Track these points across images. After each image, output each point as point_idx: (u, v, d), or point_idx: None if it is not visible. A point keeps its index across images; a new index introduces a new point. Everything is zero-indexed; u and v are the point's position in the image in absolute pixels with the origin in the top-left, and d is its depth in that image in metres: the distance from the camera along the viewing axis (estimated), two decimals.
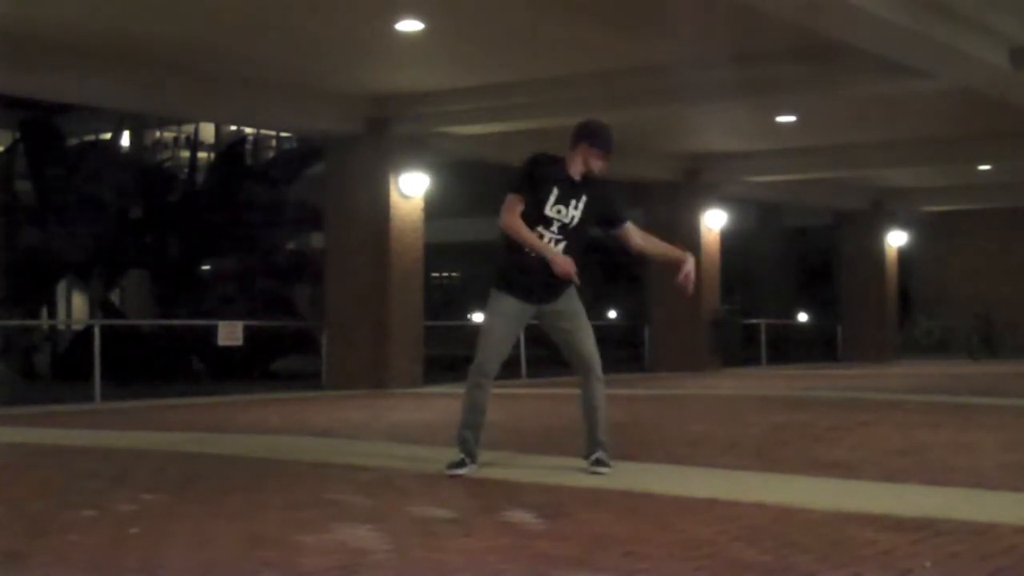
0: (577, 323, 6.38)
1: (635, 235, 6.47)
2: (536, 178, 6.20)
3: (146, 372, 17.75)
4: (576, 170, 6.25)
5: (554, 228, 6.20)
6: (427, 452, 7.41)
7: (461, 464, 6.21)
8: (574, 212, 6.21)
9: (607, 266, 34.06)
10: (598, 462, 6.22)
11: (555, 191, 6.18)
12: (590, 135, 6.28)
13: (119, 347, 16.79)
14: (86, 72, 12.61)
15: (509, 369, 19.02)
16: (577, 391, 6.48)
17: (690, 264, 6.39)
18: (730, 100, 14.31)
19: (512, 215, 6.16)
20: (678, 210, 20.33)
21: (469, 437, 6.30)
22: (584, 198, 6.23)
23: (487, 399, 6.33)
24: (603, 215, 6.34)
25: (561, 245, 6.21)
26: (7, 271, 20.31)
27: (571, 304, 6.38)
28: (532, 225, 6.17)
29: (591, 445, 6.33)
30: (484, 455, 6.50)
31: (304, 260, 22.39)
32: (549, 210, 6.18)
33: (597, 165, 6.26)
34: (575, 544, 4.30)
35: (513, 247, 6.23)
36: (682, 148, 19.51)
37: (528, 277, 6.24)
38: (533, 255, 6.17)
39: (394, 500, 5.44)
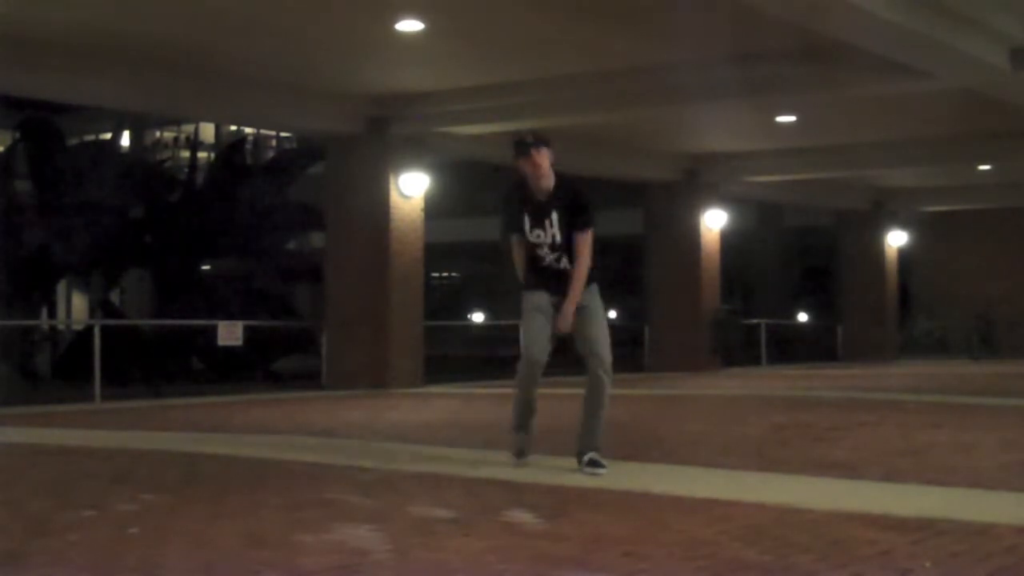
0: (592, 320, 6.48)
1: (578, 249, 6.46)
2: (511, 213, 6.54)
3: (146, 372, 17.76)
4: (532, 185, 6.46)
5: (545, 250, 6.46)
6: (427, 452, 7.42)
7: (521, 454, 6.59)
8: (553, 231, 6.42)
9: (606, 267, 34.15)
10: (593, 463, 6.25)
11: (527, 218, 6.46)
12: (514, 150, 6.49)
13: (119, 347, 16.79)
14: (86, 72, 12.61)
15: (509, 369, 19.03)
16: (577, 392, 6.50)
17: (564, 315, 6.39)
18: (730, 100, 14.31)
19: (512, 259, 6.61)
20: (678, 210, 20.34)
21: (518, 439, 6.62)
22: (554, 215, 6.42)
23: (535, 394, 6.57)
24: (571, 222, 6.45)
25: (564, 259, 6.43)
26: (7, 271, 20.30)
27: (590, 302, 6.49)
28: (532, 250, 6.49)
29: (586, 445, 6.36)
30: (484, 455, 6.51)
31: (304, 260, 22.38)
32: (531, 237, 6.47)
33: (527, 169, 6.43)
34: (575, 544, 4.30)
35: (531, 266, 6.55)
36: (682, 148, 19.51)
37: (547, 283, 6.52)
38: (547, 268, 6.48)
39: (394, 500, 5.44)
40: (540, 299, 6.49)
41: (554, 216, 6.43)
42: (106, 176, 20.30)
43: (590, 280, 6.49)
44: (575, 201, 6.51)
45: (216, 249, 21.80)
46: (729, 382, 16.49)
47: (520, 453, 6.61)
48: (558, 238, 6.43)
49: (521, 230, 6.50)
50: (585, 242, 6.44)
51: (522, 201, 6.51)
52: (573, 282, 6.39)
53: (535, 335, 6.45)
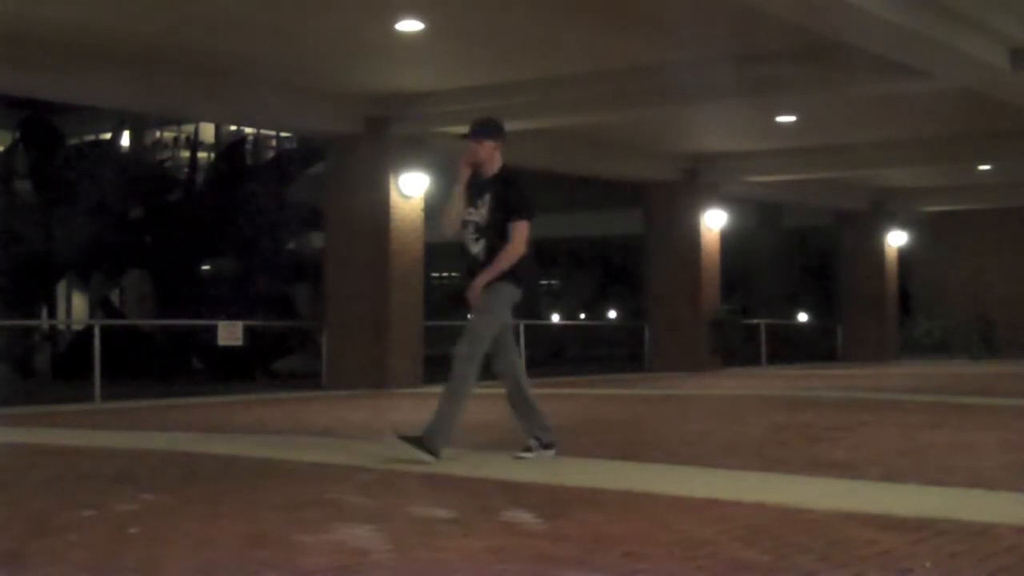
0: (474, 315, 6.69)
1: (513, 234, 6.58)
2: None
3: (146, 372, 17.76)
4: (480, 169, 6.68)
5: (471, 228, 6.65)
6: (427, 452, 7.40)
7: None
8: (483, 211, 6.59)
9: (609, 267, 34.17)
10: (414, 440, 6.60)
11: (466, 196, 6.69)
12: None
13: (119, 347, 16.79)
14: (86, 72, 12.61)
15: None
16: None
17: (472, 287, 6.58)
18: (730, 100, 14.31)
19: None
20: (678, 210, 20.34)
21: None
22: (487, 196, 6.59)
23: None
24: (503, 209, 6.59)
25: (481, 243, 6.60)
26: (7, 271, 20.30)
27: (486, 299, 6.63)
28: (461, 233, 6.73)
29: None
30: (484, 455, 6.50)
31: (304, 260, 22.39)
32: (465, 214, 6.68)
33: (467, 151, 6.67)
34: (575, 544, 4.29)
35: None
36: (682, 148, 19.51)
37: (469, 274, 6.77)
38: (467, 255, 6.73)
39: (394, 500, 5.44)
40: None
41: (487, 197, 6.58)
42: (106, 176, 20.31)
43: (512, 280, 6.55)
44: (512, 189, 6.61)
45: (216, 249, 21.80)
46: (729, 382, 16.49)
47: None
48: (484, 221, 6.57)
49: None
50: (519, 229, 6.55)
51: (473, 181, 6.71)
52: (496, 260, 6.52)
53: None
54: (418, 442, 6.47)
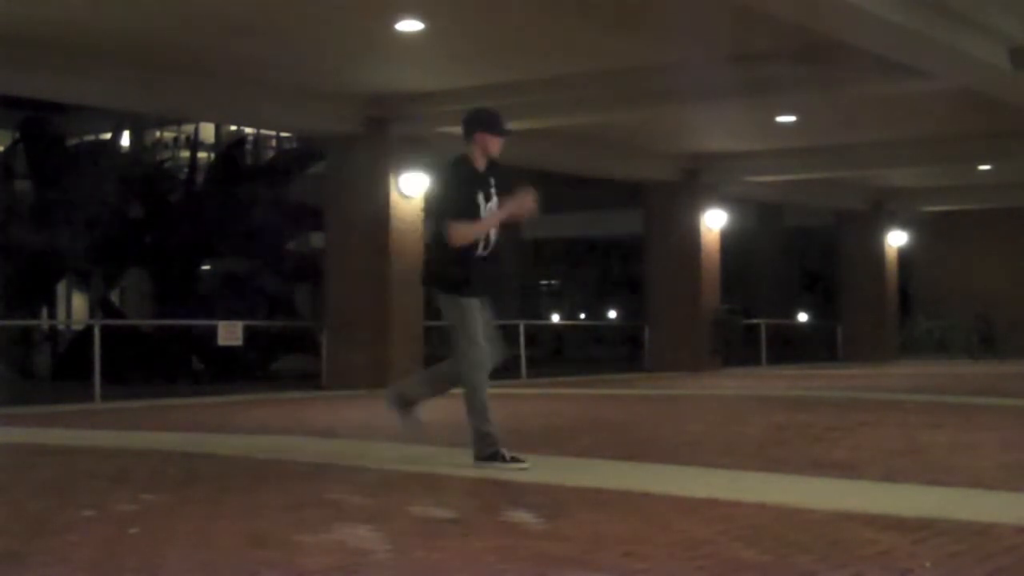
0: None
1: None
2: (467, 195, 6.33)
3: (146, 372, 17.76)
4: (480, 162, 6.43)
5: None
6: (427, 452, 7.41)
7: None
8: (491, 204, 6.39)
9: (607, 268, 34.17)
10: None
11: (480, 192, 6.34)
12: (483, 123, 6.44)
13: (119, 347, 16.78)
14: (86, 72, 12.62)
15: (509, 369, 19.05)
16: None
17: (522, 199, 6.38)
18: (730, 100, 14.32)
19: (461, 234, 6.30)
20: (678, 210, 20.34)
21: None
22: (492, 181, 6.42)
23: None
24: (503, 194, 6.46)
25: (493, 233, 6.40)
26: (7, 271, 20.30)
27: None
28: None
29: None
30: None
31: (304, 260, 22.39)
32: (484, 212, 6.35)
33: (495, 147, 6.43)
34: (575, 544, 4.29)
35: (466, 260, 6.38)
36: (682, 148, 19.51)
37: (484, 279, 6.44)
38: (483, 257, 6.39)
39: (394, 500, 5.44)
40: (478, 305, 6.39)
41: (492, 184, 6.40)
42: (106, 176, 20.30)
43: (445, 287, 6.39)
44: (506, 172, 6.49)
45: (216, 249, 21.80)
46: (729, 382, 16.49)
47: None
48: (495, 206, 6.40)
49: (475, 213, 6.32)
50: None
51: (472, 178, 6.39)
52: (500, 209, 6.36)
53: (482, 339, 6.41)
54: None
